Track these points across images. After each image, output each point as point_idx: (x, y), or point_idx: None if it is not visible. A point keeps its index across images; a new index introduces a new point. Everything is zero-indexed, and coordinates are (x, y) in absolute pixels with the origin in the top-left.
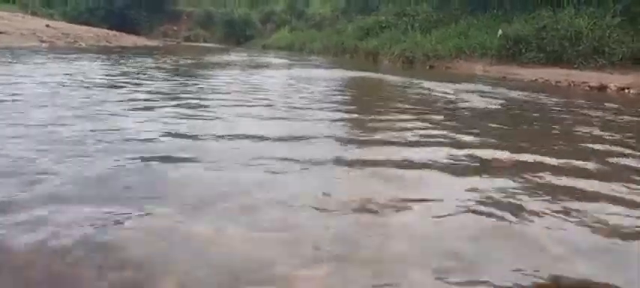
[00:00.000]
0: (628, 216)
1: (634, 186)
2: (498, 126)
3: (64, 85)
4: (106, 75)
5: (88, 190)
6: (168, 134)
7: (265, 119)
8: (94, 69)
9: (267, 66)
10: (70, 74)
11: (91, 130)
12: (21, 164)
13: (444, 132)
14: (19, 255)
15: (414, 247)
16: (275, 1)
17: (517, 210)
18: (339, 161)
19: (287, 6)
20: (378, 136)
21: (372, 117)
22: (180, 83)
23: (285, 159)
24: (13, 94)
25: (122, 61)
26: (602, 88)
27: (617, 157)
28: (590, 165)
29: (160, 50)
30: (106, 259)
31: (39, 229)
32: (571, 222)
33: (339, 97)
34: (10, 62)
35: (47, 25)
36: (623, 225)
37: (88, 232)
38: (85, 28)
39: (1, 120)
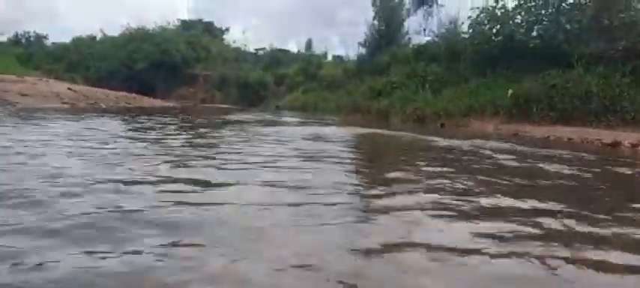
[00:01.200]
0: None
1: None
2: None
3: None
4: (124, 131)
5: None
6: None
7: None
8: (113, 127)
9: (282, 124)
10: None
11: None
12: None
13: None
14: None
15: None
16: (288, 65)
17: None
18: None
19: (300, 68)
20: None
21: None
22: (200, 139)
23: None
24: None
25: (141, 120)
26: (616, 144)
27: None
28: None
29: (177, 111)
30: None
31: None
32: None
33: (356, 150)
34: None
35: (69, 88)
36: None
37: None
38: (105, 91)
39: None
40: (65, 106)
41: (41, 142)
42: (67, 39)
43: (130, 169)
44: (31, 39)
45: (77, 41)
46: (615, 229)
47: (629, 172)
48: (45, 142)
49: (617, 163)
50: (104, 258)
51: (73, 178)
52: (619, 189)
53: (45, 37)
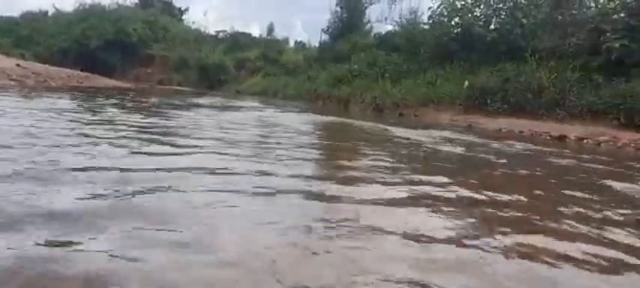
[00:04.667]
0: None
1: None
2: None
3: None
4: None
5: None
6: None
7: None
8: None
9: (239, 108)
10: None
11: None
12: None
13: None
14: None
15: None
16: (249, 48)
17: None
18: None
19: (261, 53)
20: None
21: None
22: (152, 121)
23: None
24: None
25: (86, 100)
26: (562, 137)
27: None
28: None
29: (131, 92)
30: None
31: None
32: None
33: (312, 139)
34: None
35: (18, 65)
36: None
37: None
38: (56, 68)
39: None
40: (12, 83)
41: None
42: (15, 13)
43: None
44: None
45: (27, 16)
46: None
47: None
48: None
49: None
50: None
51: None
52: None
53: None
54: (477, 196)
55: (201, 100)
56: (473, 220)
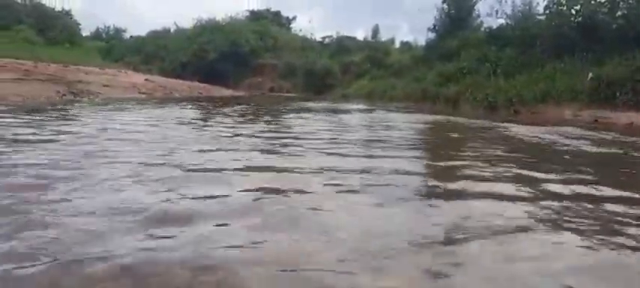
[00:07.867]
0: None
1: None
2: None
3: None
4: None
5: None
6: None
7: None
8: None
9: (349, 111)
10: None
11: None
12: None
13: None
14: None
15: None
16: (354, 52)
17: None
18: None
19: (366, 56)
20: None
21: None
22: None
23: None
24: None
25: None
26: None
27: None
28: None
29: (246, 100)
30: None
31: None
32: None
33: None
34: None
35: (146, 80)
36: None
37: None
38: (179, 81)
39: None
40: (143, 96)
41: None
42: (143, 32)
43: None
44: (111, 33)
45: (152, 34)
46: None
47: None
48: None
49: None
50: None
51: None
52: None
53: (124, 31)
54: None
55: (313, 105)
56: None
